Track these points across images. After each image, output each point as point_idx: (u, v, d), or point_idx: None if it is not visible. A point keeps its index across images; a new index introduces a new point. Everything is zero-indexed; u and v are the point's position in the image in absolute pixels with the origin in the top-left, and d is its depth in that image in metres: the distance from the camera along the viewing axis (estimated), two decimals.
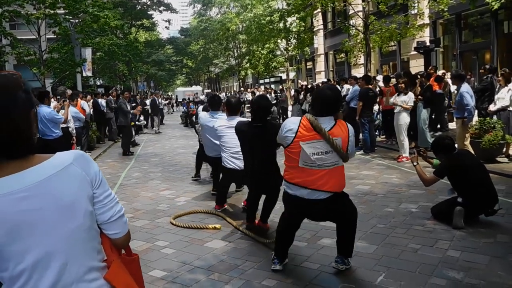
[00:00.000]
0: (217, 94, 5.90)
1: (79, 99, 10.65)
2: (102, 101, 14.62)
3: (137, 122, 14.95)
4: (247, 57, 34.87)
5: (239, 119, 5.26)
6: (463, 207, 4.67)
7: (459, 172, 4.85)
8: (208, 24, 41.32)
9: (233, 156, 5.15)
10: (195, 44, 46.15)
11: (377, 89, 10.37)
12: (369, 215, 5.26)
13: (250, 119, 4.70)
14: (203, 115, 6.30)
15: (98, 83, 27.51)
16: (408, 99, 8.41)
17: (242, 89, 34.48)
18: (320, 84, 17.42)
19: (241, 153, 4.90)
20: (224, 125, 5.31)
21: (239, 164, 5.07)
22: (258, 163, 4.50)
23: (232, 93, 27.26)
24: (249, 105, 4.98)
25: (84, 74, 17.73)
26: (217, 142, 5.54)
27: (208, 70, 55.85)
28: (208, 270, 3.85)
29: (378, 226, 4.83)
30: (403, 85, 8.46)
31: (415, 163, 5.26)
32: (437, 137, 6.01)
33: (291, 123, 3.31)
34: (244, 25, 31.86)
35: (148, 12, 37.10)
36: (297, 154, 3.22)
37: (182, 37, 52.42)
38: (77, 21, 15.85)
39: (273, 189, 4.58)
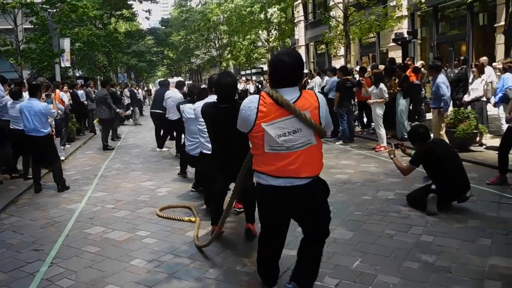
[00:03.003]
0: (205, 87, 5.83)
1: (58, 90, 10.49)
2: (81, 92, 14.41)
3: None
4: (228, 48, 34.74)
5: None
6: (436, 194, 4.84)
7: (433, 160, 5.02)
8: (189, 15, 40.90)
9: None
10: (176, 35, 45.67)
11: (357, 80, 10.51)
12: (347, 203, 5.40)
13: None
14: (188, 107, 6.12)
15: (78, 74, 27.03)
16: (380, 91, 8.57)
17: None
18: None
19: None
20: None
21: None
22: (226, 149, 4.02)
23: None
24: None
25: (62, 65, 17.40)
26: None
27: (189, 61, 55.36)
28: (189, 258, 3.92)
29: (356, 214, 4.96)
30: (373, 77, 8.58)
31: (392, 156, 5.45)
32: (412, 127, 6.20)
33: (249, 102, 2.71)
34: (225, 16, 31.67)
35: (128, 2, 36.44)
36: (261, 139, 2.65)
37: (163, 27, 51.72)
38: (54, 10, 15.52)
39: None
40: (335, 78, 10.51)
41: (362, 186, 6.21)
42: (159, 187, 6.74)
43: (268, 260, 3.14)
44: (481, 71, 8.14)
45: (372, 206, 5.22)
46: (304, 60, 28.23)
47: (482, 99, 8.16)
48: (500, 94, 7.22)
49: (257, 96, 2.72)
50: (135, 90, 21.11)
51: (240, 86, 24.48)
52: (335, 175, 6.91)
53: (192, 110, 5.53)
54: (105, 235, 4.66)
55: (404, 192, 5.60)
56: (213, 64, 41.93)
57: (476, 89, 8.13)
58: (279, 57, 2.74)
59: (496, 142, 6.98)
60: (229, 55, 34.82)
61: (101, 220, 5.20)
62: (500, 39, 10.78)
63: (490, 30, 12.97)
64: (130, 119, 19.32)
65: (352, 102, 10.48)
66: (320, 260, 3.08)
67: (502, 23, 9.61)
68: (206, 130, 4.54)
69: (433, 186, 4.97)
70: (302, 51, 28.57)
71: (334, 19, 16.38)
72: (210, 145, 4.53)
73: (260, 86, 21.23)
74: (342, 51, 17.15)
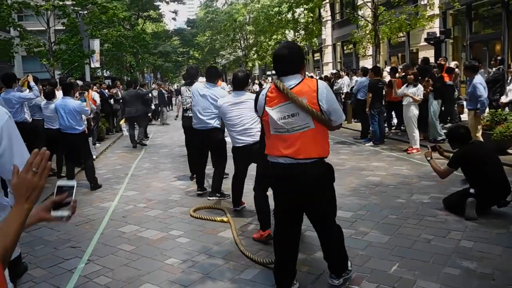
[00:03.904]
0: (214, 65, 6.09)
1: (90, 90, 10.70)
2: (106, 92, 14.61)
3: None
4: (254, 49, 34.71)
5: (247, 94, 5.04)
6: (475, 199, 4.69)
7: (473, 162, 4.85)
8: (215, 15, 41.09)
9: (241, 134, 4.84)
10: (202, 35, 45.96)
11: (388, 80, 10.34)
12: (381, 205, 5.29)
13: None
14: (197, 85, 6.12)
15: (106, 74, 27.57)
16: (417, 91, 8.38)
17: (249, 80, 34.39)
18: (327, 76, 17.38)
19: (250, 130, 4.80)
20: (229, 101, 4.98)
21: (248, 139, 4.80)
22: None
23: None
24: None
25: (92, 65, 17.79)
26: (205, 116, 5.78)
27: (215, 62, 55.65)
28: (223, 258, 3.90)
29: (390, 217, 4.85)
30: (412, 76, 8.42)
31: (428, 158, 5.26)
32: (452, 127, 6.01)
33: (263, 91, 3.11)
34: (252, 16, 31.71)
35: (155, 3, 36.98)
36: (267, 123, 2.98)
37: (189, 28, 52.20)
38: (85, 12, 15.88)
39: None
40: (364, 79, 10.35)
41: (395, 189, 6.07)
42: (189, 187, 6.77)
43: (283, 257, 3.16)
44: None
45: (407, 209, 5.09)
46: (331, 60, 28.03)
47: None
48: None
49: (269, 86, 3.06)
50: (163, 90, 21.30)
51: (267, 86, 24.44)
52: (367, 177, 6.80)
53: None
54: (139, 233, 4.70)
55: (439, 196, 5.45)
56: (239, 64, 41.99)
57: None
58: (277, 50, 3.07)
59: None
60: (255, 55, 34.79)
61: (134, 218, 5.26)
62: None
63: None
64: (158, 119, 19.58)
65: (383, 103, 10.29)
66: (342, 247, 3.23)
67: None
68: (233, 123, 4.84)
69: (472, 190, 4.81)
70: (329, 51, 28.34)
71: (363, 18, 16.14)
72: (242, 137, 4.84)
73: None
74: (370, 51, 16.89)
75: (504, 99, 8.02)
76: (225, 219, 4.94)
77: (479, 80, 7.04)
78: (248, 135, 4.82)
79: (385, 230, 4.45)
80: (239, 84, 5.07)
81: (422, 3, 15.05)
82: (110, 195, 6.54)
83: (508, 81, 8.19)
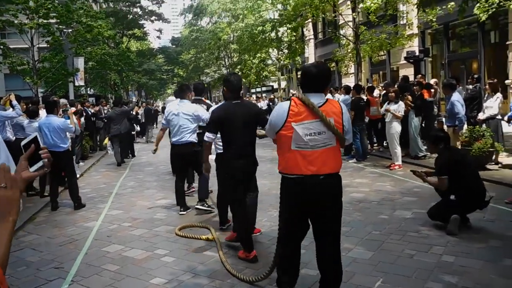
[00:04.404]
0: (186, 84, 6.31)
1: (74, 108, 10.64)
2: (90, 110, 14.55)
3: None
4: (238, 67, 35.05)
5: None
6: (457, 204, 4.83)
7: (459, 165, 4.96)
8: (199, 34, 41.43)
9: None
10: (186, 53, 46.22)
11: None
12: (364, 222, 5.36)
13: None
14: (170, 107, 6.39)
15: (90, 92, 27.45)
16: (399, 107, 8.60)
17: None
18: None
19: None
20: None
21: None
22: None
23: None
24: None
25: (76, 84, 17.72)
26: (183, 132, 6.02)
27: (200, 79, 55.91)
28: (209, 277, 3.91)
29: (374, 233, 4.92)
30: (393, 94, 8.64)
31: (424, 177, 5.27)
32: (433, 131, 6.14)
33: (281, 106, 3.09)
34: (236, 34, 32.07)
35: (140, 22, 37.19)
36: (289, 138, 2.98)
37: (173, 46, 52.52)
38: (70, 30, 15.88)
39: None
40: (347, 97, 10.55)
41: (378, 205, 6.17)
42: (174, 205, 6.74)
43: (289, 256, 3.28)
44: (494, 90, 8.13)
45: (390, 225, 5.17)
46: None
47: (497, 117, 8.12)
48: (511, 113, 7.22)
49: (288, 101, 3.08)
50: (150, 107, 21.35)
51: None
52: (351, 193, 6.88)
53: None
54: (124, 253, 4.67)
55: (421, 211, 5.55)
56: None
57: (490, 107, 8.10)
58: (308, 67, 3.20)
59: None
60: (239, 73, 35.09)
61: (118, 238, 5.22)
62: (510, 57, 10.79)
63: (502, 48, 12.97)
64: (144, 137, 19.58)
65: (365, 120, 10.48)
66: (340, 268, 3.18)
67: None
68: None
69: (452, 197, 4.92)
70: None
71: (344, 38, 16.51)
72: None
73: (271, 103, 21.35)
74: (352, 69, 17.23)
75: (481, 116, 8.25)
76: (210, 237, 4.94)
77: (456, 97, 7.26)
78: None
79: (369, 246, 4.51)
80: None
81: (402, 22, 15.52)
82: (94, 214, 6.49)
83: (485, 98, 8.45)
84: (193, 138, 6.10)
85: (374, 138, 11.73)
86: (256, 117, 4.38)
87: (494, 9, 8.37)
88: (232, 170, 4.27)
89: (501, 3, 8.22)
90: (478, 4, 8.52)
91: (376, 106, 10.19)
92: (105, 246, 4.94)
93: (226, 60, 41.39)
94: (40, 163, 1.41)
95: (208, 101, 7.54)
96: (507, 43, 12.39)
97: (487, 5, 8.32)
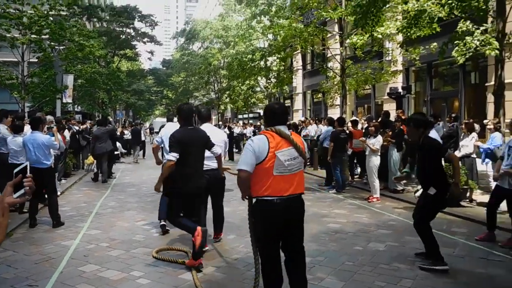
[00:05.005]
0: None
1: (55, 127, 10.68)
2: (75, 127, 14.53)
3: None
4: (227, 92, 35.47)
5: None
6: (436, 200, 4.91)
7: (439, 153, 5.08)
8: (190, 58, 41.95)
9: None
10: (177, 76, 46.65)
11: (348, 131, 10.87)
12: (339, 252, 5.49)
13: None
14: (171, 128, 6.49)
15: (77, 110, 27.41)
16: (376, 141, 8.88)
17: (220, 123, 34.86)
18: (295, 122, 17.93)
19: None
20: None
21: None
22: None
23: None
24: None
25: (64, 101, 17.73)
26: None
27: (188, 103, 56.31)
28: None
29: (347, 264, 5.05)
30: (373, 128, 8.93)
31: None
32: (412, 114, 6.30)
33: (260, 140, 3.46)
34: (226, 61, 32.57)
35: (132, 43, 37.57)
36: (272, 165, 3.40)
37: (164, 68, 53.01)
38: (61, 48, 16.02)
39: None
40: (330, 128, 10.81)
41: (354, 236, 6.31)
42: (154, 227, 6.80)
43: (271, 268, 3.61)
44: (470, 129, 8.46)
45: (363, 256, 5.31)
46: (301, 107, 28.91)
47: (472, 155, 8.43)
48: (484, 151, 7.57)
49: (261, 135, 3.53)
50: (139, 128, 21.40)
51: (237, 130, 24.86)
52: (328, 224, 7.03)
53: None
54: (99, 273, 4.70)
55: (394, 244, 5.72)
56: (212, 106, 42.68)
57: (466, 146, 8.42)
58: (274, 105, 3.80)
59: (486, 198, 7.16)
60: (228, 99, 35.51)
61: (95, 258, 5.25)
62: (490, 98, 11.21)
63: (481, 89, 13.47)
64: (131, 157, 19.68)
65: (347, 153, 10.72)
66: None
67: (492, 82, 10.04)
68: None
69: (431, 192, 4.90)
70: (299, 99, 29.27)
71: (331, 70, 16.98)
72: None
73: (257, 130, 21.62)
74: (338, 101, 17.64)
75: (457, 154, 8.54)
76: (187, 261, 5.00)
77: (433, 135, 7.51)
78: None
79: (341, 276, 4.63)
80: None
81: (387, 59, 16.05)
82: (72, 233, 6.49)
83: (461, 137, 8.77)
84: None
85: (357, 170, 11.97)
86: (206, 141, 5.12)
87: (471, 53, 8.78)
88: (185, 188, 4.87)
89: (478, 48, 8.64)
90: (456, 48, 8.93)
91: (358, 139, 10.47)
92: (81, 265, 4.96)
93: (215, 85, 41.85)
94: (22, 191, 1.54)
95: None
96: (486, 84, 12.88)
97: (464, 49, 8.73)
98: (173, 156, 4.77)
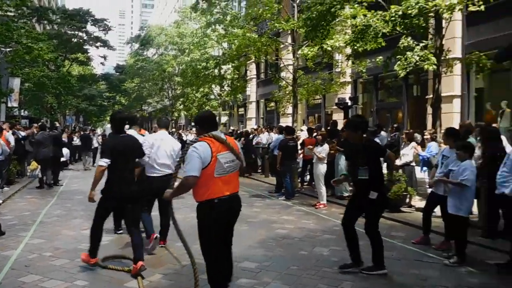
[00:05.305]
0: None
1: (4, 130, 10.29)
2: (21, 133, 14.00)
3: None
4: (181, 99, 35.25)
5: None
6: (379, 204, 5.08)
7: (379, 154, 5.25)
8: (144, 64, 41.38)
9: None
10: (130, 82, 45.77)
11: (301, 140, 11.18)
12: (285, 257, 5.67)
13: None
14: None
15: (24, 114, 26.31)
16: (322, 150, 9.23)
17: (174, 129, 34.57)
18: (247, 130, 18.17)
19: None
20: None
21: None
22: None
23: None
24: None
25: (9, 105, 17.03)
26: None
27: (141, 109, 55.31)
28: None
29: (292, 268, 5.22)
30: (320, 137, 9.28)
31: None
32: (350, 117, 6.58)
33: (202, 146, 3.70)
34: (180, 68, 32.44)
35: (84, 47, 36.57)
36: (213, 168, 3.68)
37: (117, 74, 51.87)
38: (8, 50, 15.41)
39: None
40: (280, 136, 11.08)
41: (300, 241, 6.52)
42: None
43: (219, 264, 3.92)
44: (410, 139, 8.98)
45: (308, 261, 5.51)
46: (254, 115, 29.25)
47: (411, 164, 8.94)
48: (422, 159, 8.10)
49: (202, 141, 3.76)
50: (91, 135, 20.69)
51: (190, 137, 24.75)
52: (276, 229, 7.21)
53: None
54: (41, 284, 4.60)
55: (337, 249, 5.97)
56: (165, 113, 42.22)
57: (406, 154, 8.92)
58: (205, 114, 4.22)
59: (424, 204, 7.60)
60: (182, 106, 35.29)
61: (37, 268, 5.12)
62: (430, 110, 11.94)
63: (422, 101, 14.26)
64: (80, 164, 19.10)
65: (297, 160, 11.00)
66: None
67: (431, 95, 10.71)
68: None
69: (373, 196, 4.95)
70: (253, 107, 29.59)
71: (283, 80, 17.37)
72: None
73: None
74: (290, 110, 18.07)
75: (398, 162, 9.02)
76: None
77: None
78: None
79: (286, 280, 4.80)
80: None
81: (336, 71, 16.65)
82: (14, 242, 6.27)
83: (402, 146, 9.28)
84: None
85: (307, 177, 12.28)
86: (137, 149, 5.37)
87: (411, 67, 9.34)
88: (115, 194, 5.03)
89: (417, 63, 9.21)
90: (398, 62, 9.46)
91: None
92: (22, 276, 4.83)
93: (170, 92, 41.46)
94: None
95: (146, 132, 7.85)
96: (426, 97, 13.66)
97: (405, 63, 9.27)
98: (104, 162, 4.96)
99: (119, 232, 6.74)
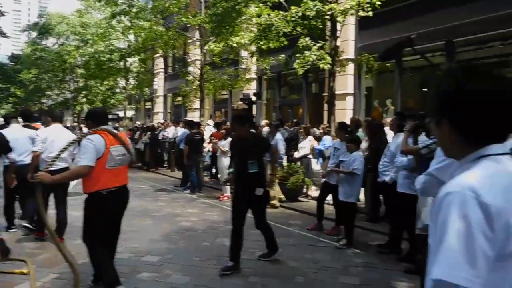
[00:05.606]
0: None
1: None
2: None
3: None
4: (84, 92, 33.41)
5: None
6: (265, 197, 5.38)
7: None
8: (43, 54, 38.33)
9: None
10: (27, 73, 42.16)
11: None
12: (188, 249, 5.83)
13: None
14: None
15: None
16: (226, 143, 9.51)
17: (75, 123, 32.67)
18: (154, 125, 17.91)
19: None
20: None
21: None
22: None
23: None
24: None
25: None
26: None
27: (40, 102, 51.30)
28: None
29: (195, 259, 5.38)
30: (224, 131, 9.55)
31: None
32: (236, 112, 6.91)
33: (96, 138, 3.85)
34: (83, 59, 30.69)
35: None
36: (105, 160, 3.86)
37: (12, 64, 47.56)
38: None
39: None
40: (185, 130, 11.16)
41: (203, 233, 6.72)
42: None
43: (111, 263, 4.15)
44: (307, 133, 9.62)
45: (210, 251, 5.71)
46: (162, 110, 28.80)
47: (308, 156, 9.58)
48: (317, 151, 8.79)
49: (96, 134, 3.90)
50: None
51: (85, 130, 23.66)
52: (180, 223, 7.33)
53: None
54: None
55: None
56: (67, 107, 39.64)
57: (303, 147, 9.53)
58: (98, 109, 4.77)
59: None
60: (84, 99, 33.46)
61: None
62: (325, 106, 12.80)
63: (320, 98, 15.17)
64: None
65: (203, 154, 11.15)
66: None
67: (327, 93, 11.47)
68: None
69: (260, 193, 5.14)
70: (160, 101, 29.07)
71: (191, 75, 17.37)
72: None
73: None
74: (197, 105, 18.14)
75: (297, 155, 9.62)
76: (25, 270, 4.80)
77: (279, 137, 8.41)
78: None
79: (188, 271, 4.94)
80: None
81: (242, 67, 17.05)
82: None
83: (300, 139, 9.90)
84: None
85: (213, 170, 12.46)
86: (3, 145, 5.48)
87: (309, 66, 9.96)
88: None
89: (314, 62, 9.84)
90: (297, 60, 10.02)
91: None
92: None
93: (71, 84, 39.01)
94: None
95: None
96: (323, 94, 14.56)
97: (304, 62, 9.86)
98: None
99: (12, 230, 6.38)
